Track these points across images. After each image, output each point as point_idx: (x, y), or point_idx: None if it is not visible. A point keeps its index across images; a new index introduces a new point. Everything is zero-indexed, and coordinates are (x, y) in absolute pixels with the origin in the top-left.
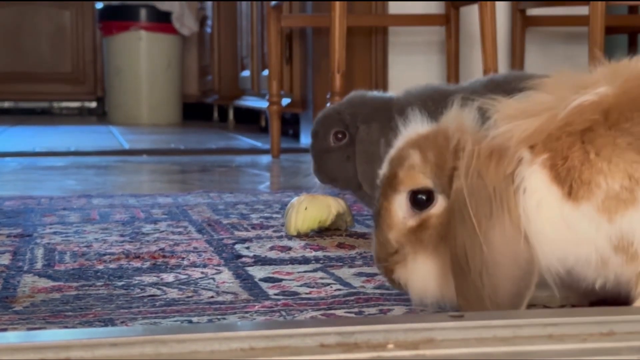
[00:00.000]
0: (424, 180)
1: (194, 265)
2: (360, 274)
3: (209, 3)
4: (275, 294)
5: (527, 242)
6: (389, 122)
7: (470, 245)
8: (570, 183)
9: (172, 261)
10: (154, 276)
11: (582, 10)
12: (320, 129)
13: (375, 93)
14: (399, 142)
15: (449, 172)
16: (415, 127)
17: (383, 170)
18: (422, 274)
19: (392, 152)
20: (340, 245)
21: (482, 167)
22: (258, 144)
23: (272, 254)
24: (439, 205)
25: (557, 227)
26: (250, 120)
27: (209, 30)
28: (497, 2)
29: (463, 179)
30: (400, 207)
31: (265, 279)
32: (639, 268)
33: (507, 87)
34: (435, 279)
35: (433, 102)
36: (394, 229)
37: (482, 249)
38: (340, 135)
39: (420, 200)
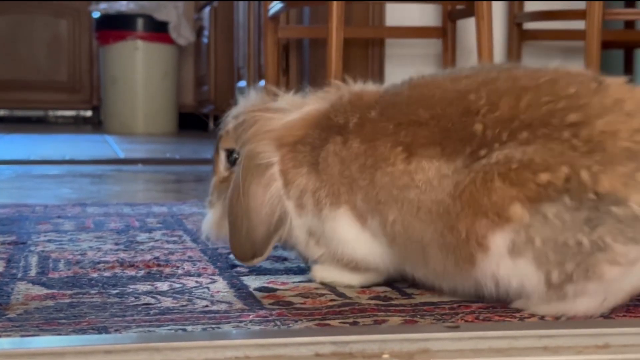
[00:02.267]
0: (232, 144)
1: (188, 274)
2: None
3: (206, 13)
4: (270, 304)
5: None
6: None
7: (235, 195)
8: (286, 177)
9: (167, 270)
10: (149, 285)
11: (579, 25)
12: None
13: None
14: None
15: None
16: (245, 103)
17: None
18: (211, 216)
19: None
20: None
21: (256, 143)
22: None
23: (267, 264)
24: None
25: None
26: None
27: (205, 40)
28: (494, 16)
29: (243, 151)
30: (221, 160)
31: (260, 289)
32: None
33: None
34: (217, 222)
35: None
36: (215, 177)
37: (243, 199)
38: None
39: (232, 158)
